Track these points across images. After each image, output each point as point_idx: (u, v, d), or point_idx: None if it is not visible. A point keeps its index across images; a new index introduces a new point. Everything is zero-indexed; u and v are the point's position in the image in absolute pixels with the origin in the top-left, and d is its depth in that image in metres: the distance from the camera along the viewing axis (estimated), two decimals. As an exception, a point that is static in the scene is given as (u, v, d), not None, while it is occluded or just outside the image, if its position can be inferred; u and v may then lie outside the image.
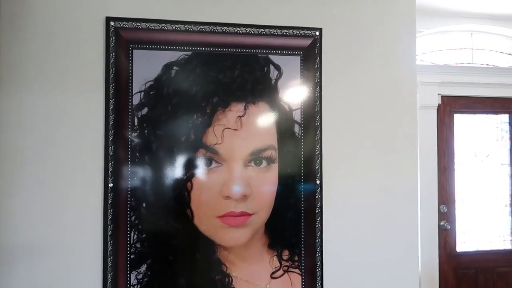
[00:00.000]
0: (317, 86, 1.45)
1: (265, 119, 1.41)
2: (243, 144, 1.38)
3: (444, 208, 2.34)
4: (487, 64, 2.48)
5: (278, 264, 1.41)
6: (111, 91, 1.33)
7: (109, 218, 1.31)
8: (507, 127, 2.48)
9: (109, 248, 1.31)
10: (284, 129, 1.42)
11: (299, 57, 1.44)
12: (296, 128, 1.43)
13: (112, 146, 1.32)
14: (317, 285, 1.43)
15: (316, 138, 1.45)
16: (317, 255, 1.43)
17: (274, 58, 1.43)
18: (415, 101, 1.55)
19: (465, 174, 2.44)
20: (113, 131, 1.33)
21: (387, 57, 1.52)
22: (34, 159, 1.29)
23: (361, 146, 1.49)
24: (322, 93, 1.45)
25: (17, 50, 1.30)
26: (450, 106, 2.36)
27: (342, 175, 1.47)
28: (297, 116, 1.44)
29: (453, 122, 2.39)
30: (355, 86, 1.49)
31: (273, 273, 1.40)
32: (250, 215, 1.38)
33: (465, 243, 2.44)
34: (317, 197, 1.44)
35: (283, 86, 1.43)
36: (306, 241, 1.43)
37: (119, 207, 1.32)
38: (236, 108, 1.38)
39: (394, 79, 1.52)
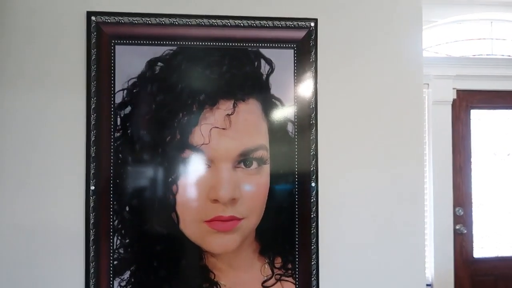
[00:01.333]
0: (313, 81, 1.35)
1: (255, 117, 1.32)
2: (232, 144, 1.29)
3: (460, 211, 2.18)
4: (508, 56, 2.29)
5: (270, 272, 1.32)
6: (93, 89, 1.27)
7: (91, 222, 1.26)
8: (530, 123, 2.29)
9: (91, 254, 1.25)
10: (277, 128, 1.33)
11: (293, 50, 1.34)
12: (290, 127, 1.34)
13: (94, 147, 1.26)
14: (313, 295, 1.33)
15: (311, 138, 1.34)
16: (313, 262, 1.33)
17: (265, 51, 1.33)
18: (421, 96, 1.42)
19: (483, 174, 2.27)
20: (95, 131, 1.27)
21: (390, 49, 1.40)
22: (13, 161, 1.25)
23: (361, 146, 1.38)
24: (317, 89, 1.35)
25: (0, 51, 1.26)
26: (466, 101, 2.20)
27: (340, 177, 1.37)
28: (290, 114, 1.34)
29: (469, 118, 2.24)
30: (354, 81, 1.38)
31: (264, 281, 1.32)
32: (239, 219, 1.29)
33: (483, 248, 2.28)
34: (312, 200, 1.34)
35: (275, 82, 1.33)
36: (301, 248, 1.33)
37: (101, 210, 1.26)
38: (225, 106, 1.30)
39: (398, 73, 1.40)
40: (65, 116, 1.27)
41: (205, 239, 1.29)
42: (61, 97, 1.27)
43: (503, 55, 2.27)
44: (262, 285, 1.31)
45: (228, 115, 1.30)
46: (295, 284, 1.33)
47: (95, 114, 1.27)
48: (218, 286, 1.30)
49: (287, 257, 1.33)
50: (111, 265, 1.26)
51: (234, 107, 1.30)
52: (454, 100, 2.16)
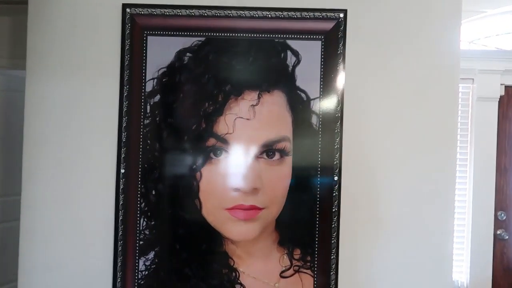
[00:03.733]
0: (339, 73, 1.32)
1: (280, 108, 1.32)
2: (256, 134, 1.31)
3: (503, 215, 2.05)
4: None
5: (289, 263, 1.33)
6: (126, 77, 1.34)
7: (121, 203, 1.33)
8: None
9: (120, 233, 1.33)
10: (301, 120, 1.32)
11: (320, 41, 1.33)
12: (314, 119, 1.33)
13: (125, 133, 1.34)
14: (331, 289, 1.32)
15: (336, 131, 1.32)
16: (332, 257, 1.32)
17: (292, 43, 1.33)
18: (456, 92, 1.34)
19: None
20: (126, 117, 1.34)
21: (423, 42, 1.34)
22: (53, 143, 1.35)
23: (388, 141, 1.34)
24: (345, 82, 1.32)
25: (43, 39, 1.36)
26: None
27: (364, 172, 1.34)
28: (315, 106, 1.33)
29: (517, 118, 2.08)
30: (383, 74, 1.34)
31: (282, 272, 1.33)
32: (260, 209, 1.31)
33: (528, 257, 2.12)
34: (334, 194, 1.32)
35: (301, 74, 1.32)
36: (321, 241, 1.32)
37: (130, 193, 1.34)
38: (250, 97, 1.32)
39: (431, 67, 1.34)
40: (100, 102, 1.35)
41: (225, 226, 1.32)
42: (97, 84, 1.35)
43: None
44: (280, 275, 1.32)
45: (253, 105, 1.31)
46: (313, 276, 1.32)
47: (127, 102, 1.34)
48: (237, 273, 1.33)
49: (306, 249, 1.33)
50: (137, 244, 1.33)
51: (259, 98, 1.32)
52: (501, 97, 2.02)
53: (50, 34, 1.36)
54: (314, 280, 1.32)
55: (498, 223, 2.03)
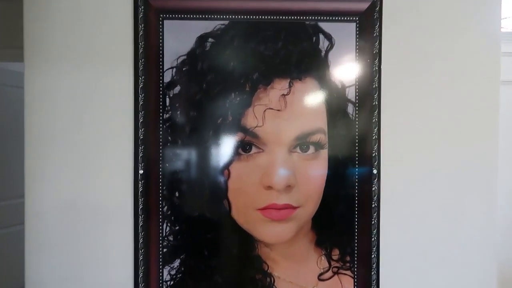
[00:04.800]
0: (376, 58, 1.22)
1: (313, 97, 1.21)
2: (288, 127, 1.20)
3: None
4: None
5: (327, 265, 1.23)
6: (141, 67, 1.19)
7: (140, 207, 1.20)
8: None
9: (140, 241, 1.20)
10: (336, 110, 1.22)
11: (355, 23, 1.22)
12: (350, 108, 1.22)
13: (142, 129, 1.20)
14: (373, 290, 1.24)
15: (374, 120, 1.23)
16: (373, 256, 1.23)
17: (324, 25, 1.21)
18: (498, 75, 1.27)
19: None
20: (143, 112, 1.20)
21: (463, 23, 1.25)
22: (60, 142, 1.20)
23: (428, 131, 1.25)
24: (381, 67, 1.22)
25: (41, 25, 1.19)
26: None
27: (404, 163, 1.25)
28: (351, 94, 1.22)
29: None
30: (423, 58, 1.24)
31: (320, 274, 1.23)
32: (295, 208, 1.21)
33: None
34: (373, 188, 1.23)
35: (334, 59, 1.22)
36: (360, 240, 1.23)
37: (150, 196, 1.20)
38: (280, 86, 1.20)
39: (472, 50, 1.25)
40: (112, 96, 1.21)
41: (258, 228, 1.21)
42: (108, 76, 1.20)
43: None
44: (318, 278, 1.23)
45: (284, 95, 1.20)
46: (353, 278, 1.23)
47: (143, 94, 1.20)
48: (272, 278, 1.22)
49: (345, 249, 1.23)
50: (160, 252, 1.21)
51: (290, 86, 1.20)
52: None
53: (50, 20, 1.20)
54: (354, 281, 1.23)
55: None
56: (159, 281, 1.21)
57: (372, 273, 1.23)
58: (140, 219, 1.20)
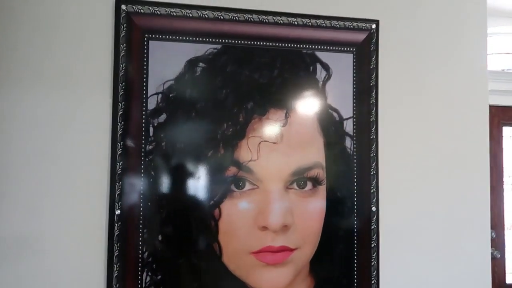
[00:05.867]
0: (373, 91, 1.18)
1: (310, 130, 1.14)
2: (284, 161, 1.10)
3: (493, 234, 2.07)
4: (536, 71, 2.24)
5: (326, 313, 1.13)
6: (121, 92, 1.05)
7: (115, 254, 1.02)
8: (559, 141, 2.23)
9: (115, 294, 1.02)
10: (334, 143, 1.15)
11: (352, 54, 1.18)
12: (348, 142, 1.16)
13: (121, 162, 1.04)
14: (373, 338, 1.14)
15: (372, 155, 1.17)
16: (373, 300, 1.15)
17: (321, 55, 1.16)
18: (486, 108, 1.28)
19: (513, 195, 2.19)
20: (122, 143, 1.04)
21: (454, 55, 1.26)
22: (24, 177, 1.00)
23: (424, 165, 1.22)
24: (378, 99, 1.19)
25: (4, 40, 1.02)
26: (498, 117, 2.11)
27: (402, 200, 1.20)
28: (348, 127, 1.16)
29: (501, 136, 2.15)
30: (418, 91, 1.23)
31: (320, 324, 1.12)
32: (292, 250, 1.10)
33: (514, 274, 2.18)
34: (372, 227, 1.16)
35: (332, 90, 1.16)
36: (360, 283, 1.15)
37: (128, 240, 1.03)
38: (276, 116, 1.11)
39: (463, 83, 1.26)
40: (86, 125, 1.04)
41: (252, 274, 1.08)
42: (83, 102, 1.04)
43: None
44: (317, 329, 1.12)
45: (280, 127, 1.11)
46: (353, 326, 1.14)
47: (122, 122, 1.04)
48: (267, 332, 1.09)
49: (345, 294, 1.14)
50: (138, 307, 1.03)
51: (286, 117, 1.12)
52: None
53: (13, 34, 1.02)
54: (355, 330, 1.14)
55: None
56: None
57: (373, 319, 1.15)
58: (114, 269, 1.02)
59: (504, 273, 2.10)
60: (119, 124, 1.04)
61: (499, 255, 2.06)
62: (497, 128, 2.11)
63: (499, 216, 2.08)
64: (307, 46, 1.15)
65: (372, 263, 1.16)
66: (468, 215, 1.24)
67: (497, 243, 2.08)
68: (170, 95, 1.07)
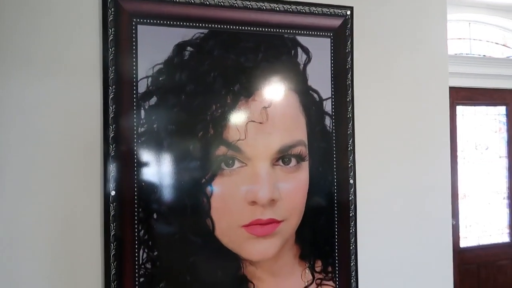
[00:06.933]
0: (349, 72, 1.28)
1: (293, 110, 1.21)
2: (270, 139, 1.18)
3: (449, 203, 2.28)
4: (484, 55, 2.44)
5: (311, 277, 1.23)
6: (111, 76, 1.07)
7: (112, 234, 1.06)
8: (504, 119, 2.47)
9: (113, 272, 1.05)
10: (315, 122, 1.24)
11: (329, 39, 1.26)
12: (327, 121, 1.25)
13: (114, 145, 1.06)
14: (353, 298, 1.26)
15: (349, 132, 1.27)
16: (352, 264, 1.26)
17: (302, 39, 1.23)
18: (446, 89, 1.42)
19: (466, 168, 2.40)
20: (114, 126, 1.07)
21: (418, 42, 1.38)
22: (15, 163, 1.00)
23: (394, 140, 1.34)
24: (354, 81, 1.28)
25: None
26: (452, 98, 2.29)
27: (376, 172, 1.32)
28: (328, 107, 1.25)
29: (455, 114, 2.34)
30: (388, 73, 1.34)
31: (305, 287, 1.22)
32: (279, 222, 1.18)
33: (467, 238, 2.40)
34: (350, 198, 1.27)
35: (312, 72, 1.24)
36: (340, 249, 1.26)
37: (124, 220, 1.07)
38: (261, 98, 1.18)
39: (427, 66, 1.39)
40: (77, 109, 1.05)
41: (243, 246, 1.15)
42: (72, 87, 1.05)
43: (479, 55, 2.42)
44: (303, 292, 1.22)
45: (265, 107, 1.18)
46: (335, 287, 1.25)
47: (114, 106, 1.07)
48: (258, 297, 1.17)
49: (327, 259, 1.24)
50: (136, 282, 1.07)
51: (271, 99, 1.18)
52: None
53: (1, 25, 1.01)
54: (336, 291, 1.25)
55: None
56: (135, 316, 1.07)
57: (352, 281, 1.26)
58: (112, 247, 1.06)
59: (458, 238, 2.34)
60: (111, 107, 1.07)
61: (454, 222, 2.29)
62: (452, 108, 2.31)
63: (454, 187, 2.30)
64: (289, 31, 1.22)
65: (351, 230, 1.27)
66: (431, 184, 1.39)
67: (453, 212, 2.29)
68: (160, 79, 1.10)
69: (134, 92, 1.08)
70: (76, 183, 1.05)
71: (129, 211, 1.07)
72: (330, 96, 1.26)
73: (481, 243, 2.41)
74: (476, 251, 2.38)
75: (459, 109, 2.36)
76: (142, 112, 1.09)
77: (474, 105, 2.39)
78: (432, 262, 1.38)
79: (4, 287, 0.99)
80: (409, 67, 1.36)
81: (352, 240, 1.27)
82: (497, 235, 2.43)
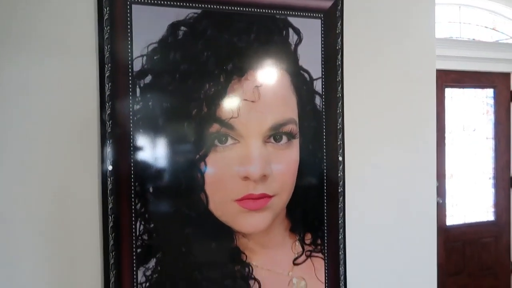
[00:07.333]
0: (339, 53, 1.32)
1: (285, 89, 1.25)
2: (262, 117, 1.22)
3: (436, 183, 2.35)
4: (473, 39, 2.48)
5: (301, 249, 1.29)
6: (107, 54, 1.10)
7: (110, 207, 1.11)
8: (491, 101, 2.53)
9: (111, 243, 1.11)
10: (305, 101, 1.28)
11: (320, 20, 1.29)
12: (317, 100, 1.29)
13: (110, 122, 1.10)
14: (340, 268, 1.33)
15: (338, 111, 1.32)
16: (340, 237, 1.33)
17: (293, 20, 1.26)
18: (434, 72, 1.47)
19: (454, 149, 2.47)
20: (110, 103, 1.10)
21: (406, 25, 1.42)
22: (13, 141, 1.04)
23: (381, 121, 1.39)
24: (343, 61, 1.32)
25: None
26: (441, 80, 2.34)
27: (364, 150, 1.37)
28: (318, 86, 1.29)
29: (444, 96, 2.39)
30: (376, 55, 1.38)
31: (295, 259, 1.28)
32: (270, 197, 1.23)
33: (453, 217, 2.49)
34: (339, 175, 1.32)
35: (303, 53, 1.27)
36: (329, 223, 1.32)
37: (121, 193, 1.11)
38: (253, 77, 1.21)
39: (414, 48, 1.43)
40: (73, 87, 1.09)
41: (236, 219, 1.21)
42: (68, 65, 1.08)
43: (469, 38, 2.46)
44: (293, 263, 1.28)
45: (257, 86, 1.22)
46: (324, 259, 1.31)
47: (110, 84, 1.10)
48: (250, 267, 1.23)
49: (316, 233, 1.30)
50: (134, 253, 1.13)
51: (263, 78, 1.22)
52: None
53: (-8, -5, 1.03)
54: (325, 262, 1.31)
55: (432, 190, 2.34)
56: (133, 285, 1.13)
57: (340, 252, 1.33)
58: (110, 220, 1.11)
59: (445, 216, 2.42)
60: (107, 85, 1.10)
61: (441, 201, 2.36)
62: (441, 90, 2.36)
63: (441, 167, 2.37)
64: (280, 12, 1.25)
65: (339, 206, 1.33)
66: (418, 164, 1.44)
67: (440, 191, 2.37)
68: (155, 58, 1.14)
69: (130, 70, 1.12)
70: (74, 159, 1.09)
71: (125, 185, 1.12)
72: (320, 76, 1.29)
73: (466, 221, 2.49)
74: (462, 228, 2.47)
75: (448, 91, 2.41)
76: (138, 90, 1.12)
77: (463, 88, 2.44)
78: (417, 237, 1.45)
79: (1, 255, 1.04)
80: (398, 49, 1.40)
81: (341, 214, 1.33)
82: (482, 214, 2.52)
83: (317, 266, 1.30)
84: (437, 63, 1.71)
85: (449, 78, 2.36)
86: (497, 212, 2.62)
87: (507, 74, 2.52)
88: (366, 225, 1.38)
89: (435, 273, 1.47)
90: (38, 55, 1.06)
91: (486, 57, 2.36)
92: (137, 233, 1.13)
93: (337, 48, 1.31)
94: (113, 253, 1.11)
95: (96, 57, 1.10)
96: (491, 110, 2.52)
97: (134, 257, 1.13)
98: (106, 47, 1.10)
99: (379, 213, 1.39)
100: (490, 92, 2.49)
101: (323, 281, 1.31)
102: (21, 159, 1.05)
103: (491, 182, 2.57)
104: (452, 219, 2.47)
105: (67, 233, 1.09)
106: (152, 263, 1.14)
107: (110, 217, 1.11)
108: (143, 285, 1.14)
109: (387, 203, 1.40)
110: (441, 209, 2.38)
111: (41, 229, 1.07)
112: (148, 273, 1.14)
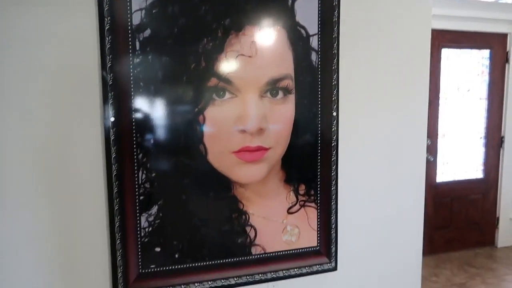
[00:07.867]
0: (335, 9, 1.33)
1: (281, 45, 1.28)
2: (259, 72, 1.25)
3: (429, 141, 2.41)
4: (473, -2, 2.46)
5: (295, 199, 1.36)
6: (106, 7, 1.11)
7: (113, 156, 1.16)
8: (487, 62, 2.54)
9: (115, 190, 1.17)
10: (301, 57, 1.31)
11: (317, -26, 1.29)
12: (313, 56, 1.32)
13: (111, 74, 1.13)
14: (332, 217, 1.41)
15: (334, 68, 1.35)
16: (332, 188, 1.40)
17: (290, -26, 1.26)
18: (429, 31, 1.48)
19: (447, 108, 2.51)
20: (111, 56, 1.13)
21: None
22: (13, 92, 1.08)
23: (377, 78, 1.42)
24: (340, 18, 1.34)
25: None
26: (438, 40, 2.34)
27: (358, 106, 1.41)
28: (314, 43, 1.32)
29: (440, 57, 2.40)
30: (373, 13, 1.39)
31: (289, 208, 1.36)
32: (266, 149, 1.29)
33: (443, 174, 2.57)
34: (333, 129, 1.38)
35: (300, 9, 1.28)
36: (322, 175, 1.38)
37: (124, 144, 1.17)
38: (250, 32, 1.23)
39: (410, 7, 1.44)
40: (73, 39, 1.11)
41: (233, 170, 1.27)
42: (67, 17, 1.10)
43: (469, -3, 2.44)
44: (287, 212, 1.35)
45: (254, 42, 1.24)
46: (316, 208, 1.39)
47: (110, 36, 1.12)
48: (247, 215, 1.31)
49: (310, 184, 1.37)
50: (137, 200, 1.20)
51: (260, 33, 1.24)
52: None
53: None
54: (317, 211, 1.39)
55: (424, 149, 2.41)
56: (136, 229, 1.21)
57: (332, 203, 1.40)
58: (113, 168, 1.16)
59: (435, 174, 2.51)
60: (107, 38, 1.12)
61: (432, 159, 2.44)
62: (437, 50, 2.37)
63: (434, 126, 2.43)
64: (278, -34, 1.25)
65: (332, 158, 1.39)
66: (409, 121, 1.49)
67: (432, 149, 2.44)
68: (153, 11, 1.15)
69: (129, 24, 1.13)
70: (77, 111, 1.13)
71: (127, 136, 1.17)
72: (316, 32, 1.31)
73: (456, 179, 2.58)
74: (451, 185, 2.56)
75: (445, 51, 2.42)
76: (137, 43, 1.15)
77: (460, 48, 2.45)
78: (405, 190, 1.52)
79: (7, 201, 1.11)
80: (394, 7, 1.41)
81: (334, 167, 1.39)
82: (472, 172, 2.60)
83: (310, 215, 1.38)
84: (435, 23, 1.72)
85: (446, 39, 2.36)
86: (486, 170, 2.71)
87: (505, 35, 2.52)
88: (357, 178, 1.45)
89: (421, 224, 1.57)
90: (39, 8, 1.07)
91: (484, 17, 2.35)
92: (140, 182, 1.19)
93: (334, 4, 1.32)
94: (117, 200, 1.18)
95: (95, 9, 1.11)
96: (486, 71, 2.53)
97: (137, 204, 1.20)
98: (105, 0, 1.11)
99: (370, 167, 1.46)
100: (486, 53, 2.50)
101: (315, 228, 1.39)
102: (23, 112, 1.09)
103: (482, 141, 2.63)
104: (442, 176, 2.56)
105: (71, 180, 1.15)
106: (154, 209, 1.22)
107: (113, 165, 1.16)
108: (146, 229, 1.21)
109: (378, 158, 1.46)
110: (432, 166, 2.46)
111: (44, 175, 1.13)
112: (151, 219, 1.22)
